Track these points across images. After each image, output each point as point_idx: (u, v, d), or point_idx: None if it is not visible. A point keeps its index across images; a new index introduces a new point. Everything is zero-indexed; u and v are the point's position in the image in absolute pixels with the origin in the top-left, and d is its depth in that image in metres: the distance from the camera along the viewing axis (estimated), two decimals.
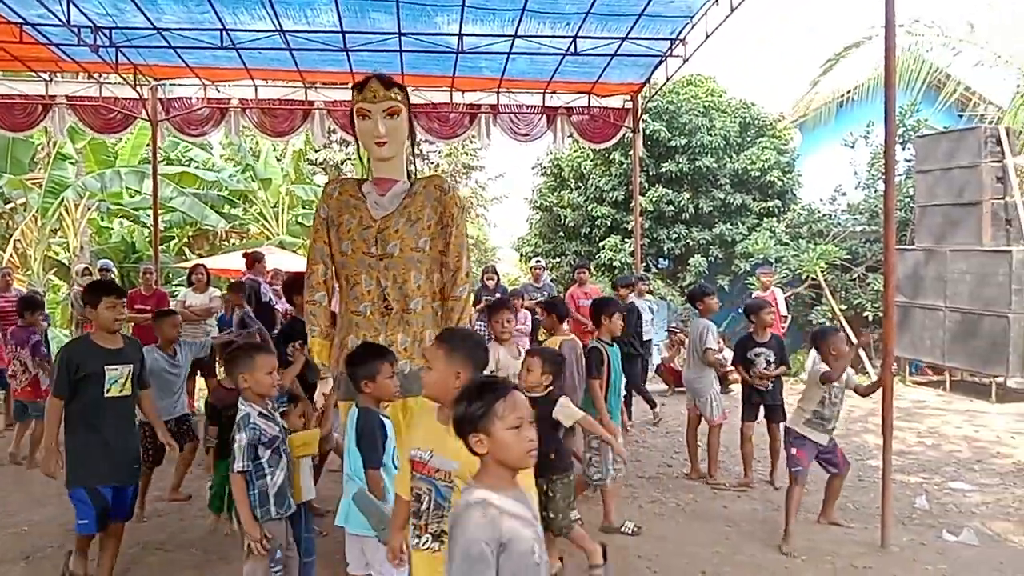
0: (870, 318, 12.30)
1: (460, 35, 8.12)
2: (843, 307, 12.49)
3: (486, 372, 3.84)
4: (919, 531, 5.01)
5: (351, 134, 10.25)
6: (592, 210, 14.91)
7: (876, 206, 13.02)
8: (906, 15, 12.80)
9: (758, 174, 14.15)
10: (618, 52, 8.76)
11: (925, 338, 9.95)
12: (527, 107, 10.49)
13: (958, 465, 6.58)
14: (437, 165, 25.21)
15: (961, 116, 14.51)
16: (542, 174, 16.86)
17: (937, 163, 10.04)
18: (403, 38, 8.18)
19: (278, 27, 7.86)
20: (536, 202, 16.64)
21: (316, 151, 21.82)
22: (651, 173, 14.40)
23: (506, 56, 8.82)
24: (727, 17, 7.52)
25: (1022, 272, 8.72)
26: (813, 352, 5.00)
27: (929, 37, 12.67)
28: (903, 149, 13.54)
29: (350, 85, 5.03)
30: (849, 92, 15.15)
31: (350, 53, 8.47)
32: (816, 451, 4.82)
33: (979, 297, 9.17)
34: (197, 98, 9.92)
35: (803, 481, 4.78)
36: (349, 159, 22.28)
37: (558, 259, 15.80)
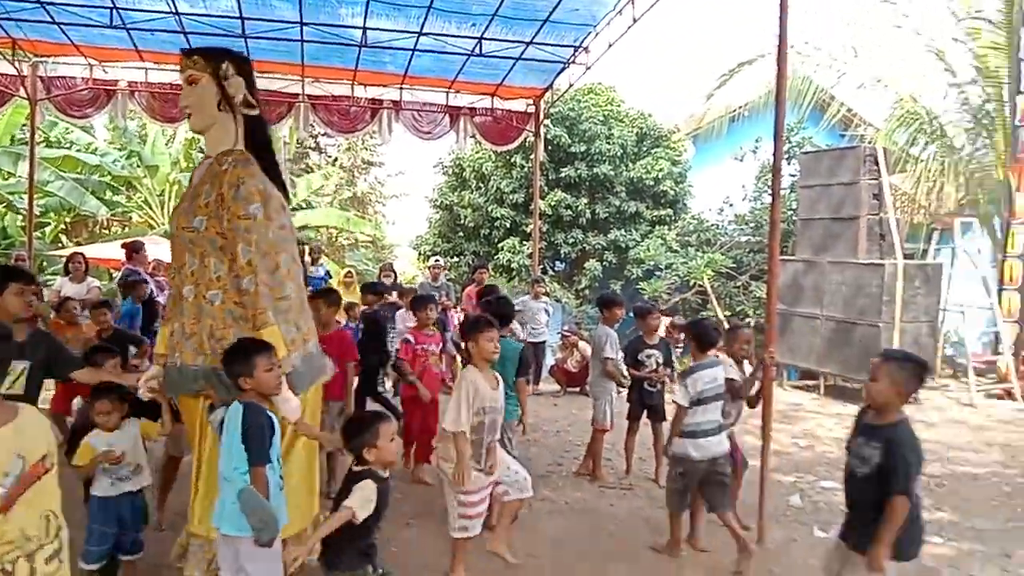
0: (752, 324, 12.86)
1: (364, 29, 8.03)
2: (727, 313, 13.00)
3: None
4: (793, 528, 5.28)
5: None
6: (492, 211, 15.00)
7: (762, 218, 13.62)
8: (796, 37, 13.43)
9: (652, 183, 14.57)
10: (522, 56, 8.85)
11: (802, 344, 10.47)
12: (430, 105, 10.45)
13: (829, 465, 6.95)
14: (335, 159, 24.77)
15: (843, 135, 15.37)
16: (443, 173, 16.85)
17: (819, 179, 10.59)
18: (305, 28, 8.01)
19: (173, 9, 7.55)
20: (436, 201, 16.62)
21: None
22: (551, 177, 14.61)
23: (410, 53, 8.77)
24: (629, 28, 7.72)
25: (893, 284, 9.30)
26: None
27: (816, 59, 13.35)
28: (788, 164, 14.23)
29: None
30: (740, 108, 15.81)
31: (248, 40, 8.22)
32: None
33: (853, 307, 9.73)
34: (82, 78, 9.41)
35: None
36: None
37: (457, 259, 15.83)
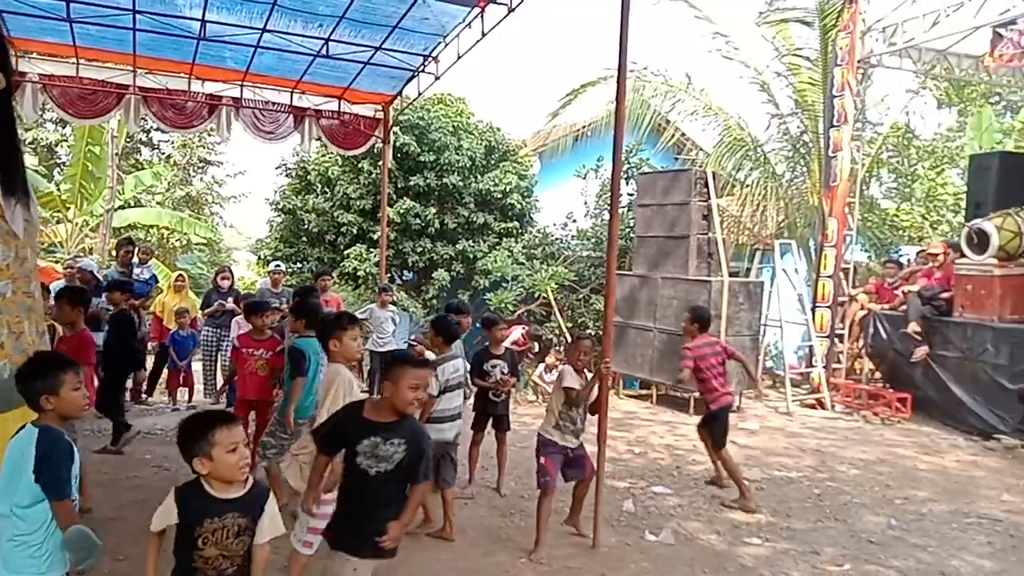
0: (592, 335, 13.28)
1: (203, 21, 7.64)
2: (569, 324, 13.37)
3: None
4: (625, 532, 5.47)
5: (70, 113, 9.21)
6: (338, 217, 14.68)
7: (602, 234, 14.12)
8: (636, 61, 14.08)
9: (500, 196, 14.75)
10: (371, 61, 8.74)
11: (637, 355, 10.91)
12: (273, 104, 10.10)
13: (660, 471, 7.27)
14: (169, 156, 23.41)
15: (677, 158, 16.24)
16: (286, 175, 16.30)
17: (654, 199, 11.10)
18: (138, 16, 7.53)
19: None
20: (279, 204, 16.03)
21: (27, 129, 19.35)
22: (399, 185, 14.48)
23: (253, 49, 8.44)
24: (477, 41, 7.79)
25: (719, 300, 9.87)
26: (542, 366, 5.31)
27: (655, 84, 14.04)
28: (627, 184, 14.85)
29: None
30: (584, 127, 16.35)
31: (74, 25, 7.63)
32: (563, 457, 5.05)
33: (683, 320, 10.23)
34: None
35: (552, 491, 5.00)
36: (65, 140, 20.01)
37: (300, 265, 15.35)
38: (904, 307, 10.43)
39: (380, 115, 10.58)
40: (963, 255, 9.90)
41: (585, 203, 15.27)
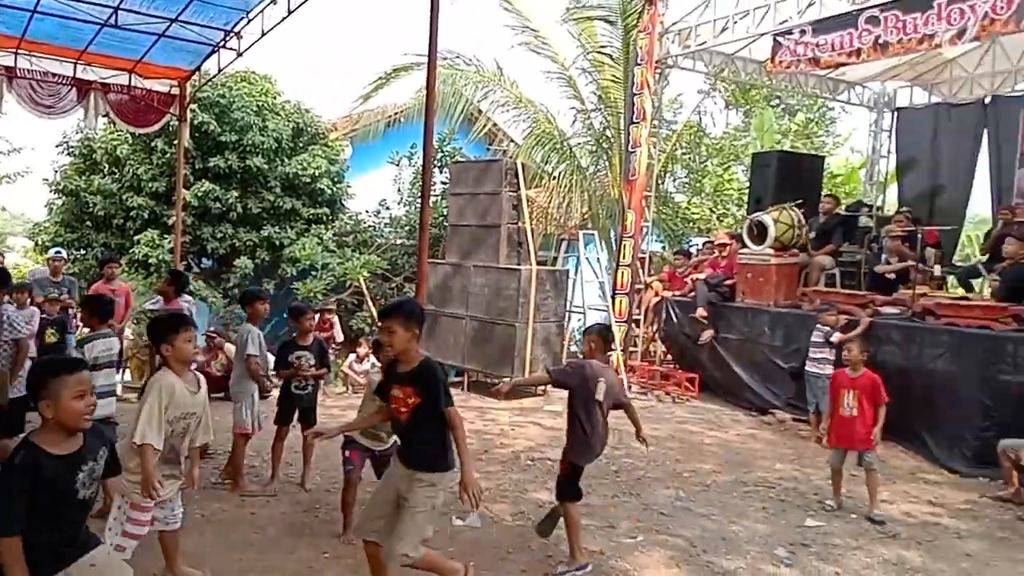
0: None
1: None
2: None
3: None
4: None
5: None
6: (128, 200, 13.63)
7: (416, 221, 14.09)
8: (448, 48, 14.11)
9: (309, 180, 14.32)
10: (166, 33, 8.17)
11: (450, 343, 11.01)
12: (53, 76, 9.20)
13: (470, 455, 7.37)
14: None
15: (489, 148, 16.50)
16: (68, 154, 14.90)
17: (467, 188, 11.22)
18: None
19: None
20: (60, 185, 14.61)
21: None
22: (198, 167, 13.67)
23: (29, 14, 7.63)
24: (284, 19, 7.50)
25: (528, 288, 10.17)
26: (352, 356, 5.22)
27: (468, 74, 14.15)
28: (440, 172, 14.91)
29: None
30: (397, 113, 16.21)
31: None
32: (368, 454, 5.00)
33: (494, 308, 10.46)
34: None
35: (356, 480, 4.95)
36: None
37: (83, 251, 14.12)
38: (693, 294, 11.25)
39: (176, 91, 9.93)
40: (745, 246, 10.82)
41: (399, 190, 15.19)
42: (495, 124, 15.75)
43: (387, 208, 15.35)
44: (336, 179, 14.98)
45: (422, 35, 5.00)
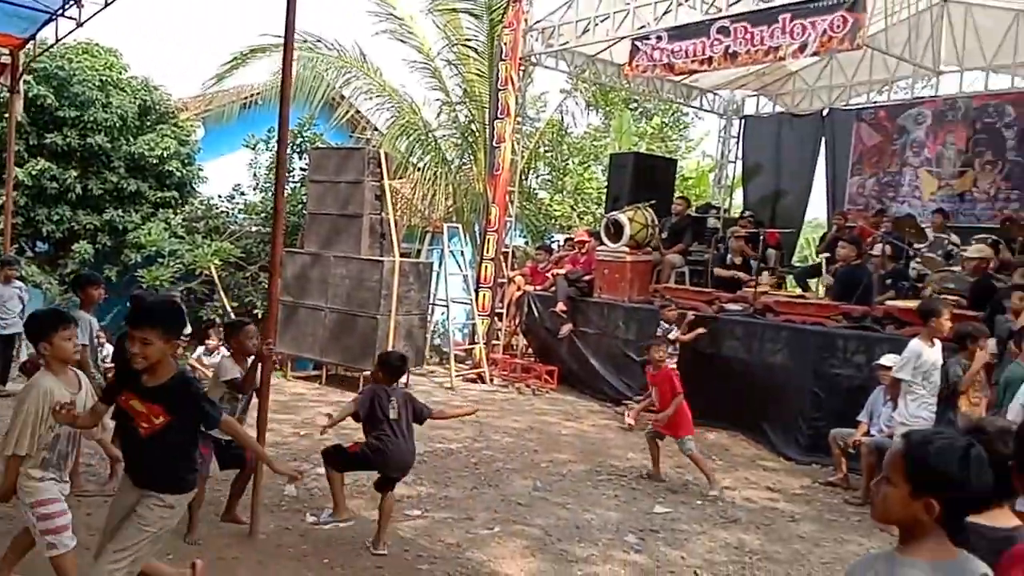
0: (259, 315, 12.76)
1: None
2: (235, 304, 12.70)
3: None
4: (286, 517, 5.33)
5: None
6: None
7: (272, 208, 13.59)
8: (308, 31, 13.70)
9: (156, 161, 13.48)
10: None
11: (308, 335, 10.71)
12: None
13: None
14: None
15: (351, 136, 16.13)
16: None
17: (328, 175, 10.92)
18: None
19: None
20: None
21: None
22: (32, 143, 12.58)
23: None
24: None
25: (391, 279, 10.03)
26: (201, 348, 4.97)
27: (329, 58, 13.78)
28: (300, 159, 14.45)
29: None
30: (255, 95, 15.55)
31: None
32: (217, 446, 4.76)
33: (354, 300, 10.25)
34: None
35: (204, 475, 4.72)
36: None
37: None
38: (554, 289, 11.47)
39: (7, 60, 9.10)
40: (602, 243, 11.13)
41: (255, 175, 14.58)
42: (358, 111, 15.43)
43: (242, 194, 14.69)
44: (187, 161, 14.19)
45: (282, 15, 4.80)
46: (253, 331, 5.05)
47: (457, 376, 11.17)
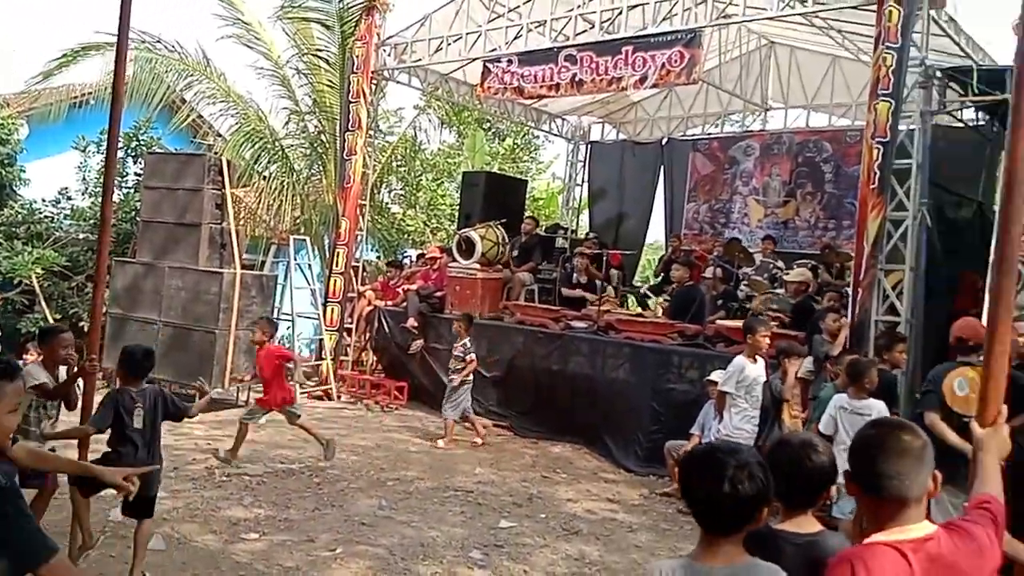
0: (85, 328, 11.89)
1: None
2: (58, 316, 11.77)
3: None
4: (110, 544, 4.98)
5: None
6: None
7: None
8: (146, 30, 12.96)
9: None
10: None
11: None
12: None
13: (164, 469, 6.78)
14: None
15: (192, 141, 15.39)
16: None
17: (165, 181, 10.37)
18: None
19: None
20: None
21: None
22: None
23: None
24: None
25: (230, 292, 9.62)
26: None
27: (170, 60, 13.11)
28: (135, 163, 13.64)
29: None
30: (86, 94, 14.54)
31: None
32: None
33: (191, 313, 9.76)
34: None
35: (51, 488, 4.50)
36: None
37: None
38: (405, 304, 11.39)
39: None
40: (454, 259, 11.20)
41: (83, 179, 13.63)
42: (200, 116, 14.74)
43: (68, 198, 13.67)
44: (7, 161, 13.07)
45: (113, 13, 4.53)
46: (68, 339, 4.73)
47: (303, 393, 10.84)
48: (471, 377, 9.02)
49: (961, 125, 9.14)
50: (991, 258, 5.15)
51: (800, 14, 9.07)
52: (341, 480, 7.05)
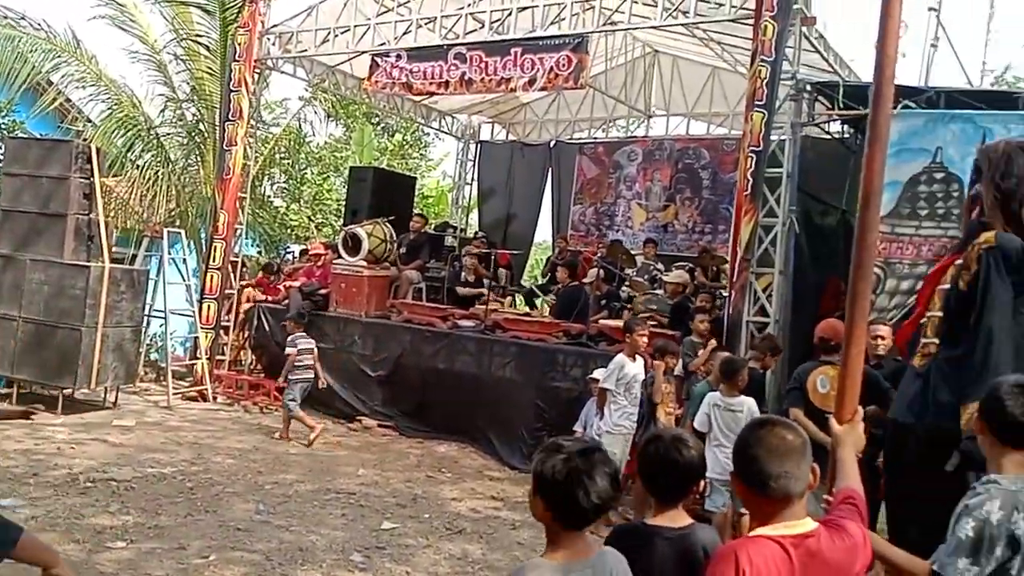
0: None
1: None
2: None
3: None
4: None
5: None
6: None
7: None
8: (9, 6, 12.13)
9: None
10: None
11: None
12: None
13: (13, 480, 6.35)
14: None
15: (60, 126, 14.47)
16: None
17: (27, 168, 9.69)
18: None
19: None
20: None
21: None
22: None
23: None
24: None
25: (97, 287, 9.08)
26: None
27: (36, 39, 12.29)
28: None
29: None
30: None
31: None
32: None
33: (54, 309, 9.16)
34: None
35: None
36: None
37: None
38: (287, 301, 11.08)
39: None
40: (340, 256, 10.98)
41: None
42: (68, 100, 13.88)
43: None
44: None
45: None
46: None
47: (176, 394, 10.38)
48: (303, 372, 8.99)
49: (828, 137, 9.70)
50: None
51: (682, 24, 9.38)
52: (216, 484, 6.78)
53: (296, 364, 8.93)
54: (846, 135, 9.62)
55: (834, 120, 9.24)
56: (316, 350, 9.24)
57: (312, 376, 9.08)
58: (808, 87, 8.32)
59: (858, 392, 2.38)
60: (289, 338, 9.16)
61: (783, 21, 7.79)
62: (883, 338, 5.73)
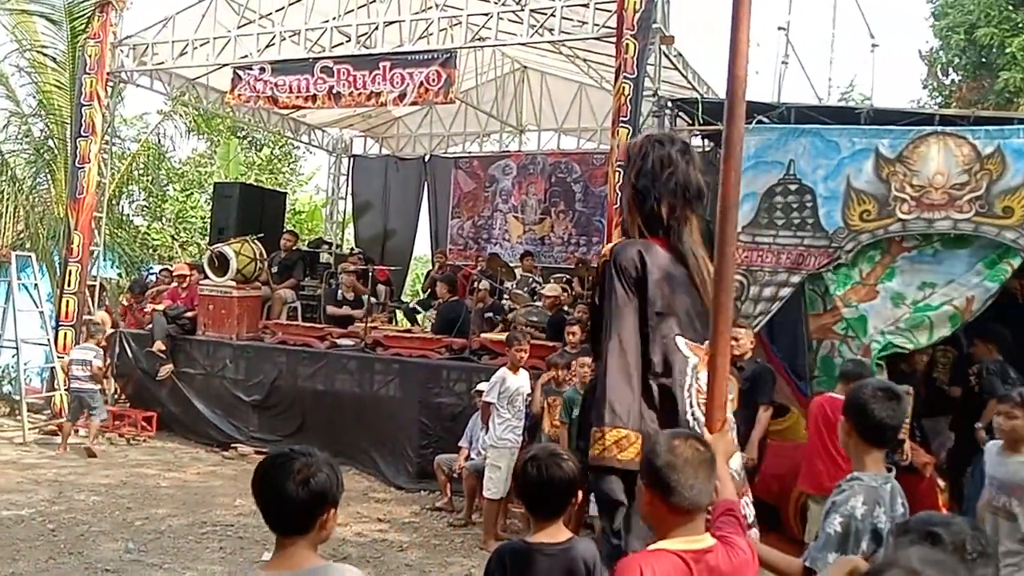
0: None
1: None
2: None
3: None
4: None
5: None
6: None
7: None
8: None
9: None
10: None
11: None
12: None
13: None
14: None
15: None
16: None
17: None
18: None
19: None
20: None
21: None
22: None
23: None
24: None
25: None
26: None
27: None
28: None
29: None
30: None
31: None
32: None
33: None
34: None
35: None
36: None
37: None
38: (151, 326, 10.53)
39: None
40: (206, 276, 10.54)
41: None
42: None
43: None
44: None
45: None
46: None
47: (32, 429, 9.67)
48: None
49: None
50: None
51: (548, 42, 9.58)
52: (80, 524, 6.36)
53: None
54: (707, 149, 10.10)
55: (695, 135, 9.66)
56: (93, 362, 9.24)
57: (87, 387, 9.15)
58: (669, 103, 8.67)
59: (725, 401, 2.42)
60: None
61: (643, 40, 8.08)
62: (737, 339, 5.94)
